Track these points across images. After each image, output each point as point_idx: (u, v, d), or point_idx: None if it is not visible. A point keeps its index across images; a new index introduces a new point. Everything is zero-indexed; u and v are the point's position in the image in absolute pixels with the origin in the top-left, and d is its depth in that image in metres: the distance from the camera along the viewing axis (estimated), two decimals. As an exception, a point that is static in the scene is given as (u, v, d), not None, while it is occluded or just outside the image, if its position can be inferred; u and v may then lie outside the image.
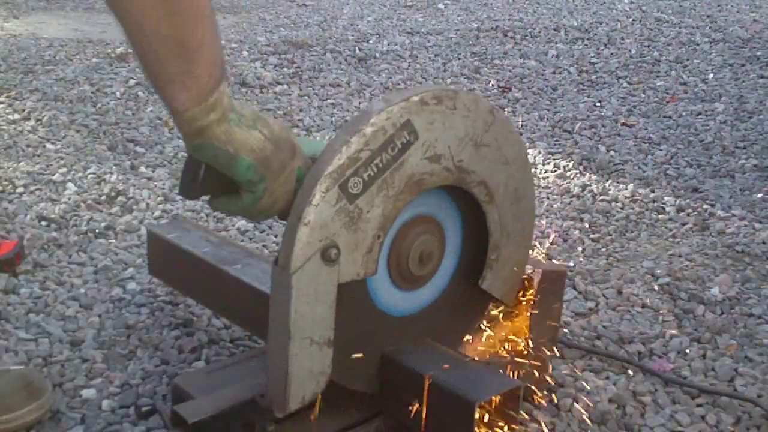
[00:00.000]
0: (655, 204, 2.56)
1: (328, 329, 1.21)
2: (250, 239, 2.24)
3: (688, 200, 2.59)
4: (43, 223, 2.26)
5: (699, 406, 1.60)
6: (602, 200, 2.58)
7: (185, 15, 1.06)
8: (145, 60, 1.10)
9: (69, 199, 2.41)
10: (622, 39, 4.63)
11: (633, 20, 5.09)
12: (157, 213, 2.35)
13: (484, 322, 1.50)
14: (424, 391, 1.27)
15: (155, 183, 2.57)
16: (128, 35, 1.08)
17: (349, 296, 1.24)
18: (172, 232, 1.81)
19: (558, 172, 2.81)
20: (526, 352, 1.50)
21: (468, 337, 1.47)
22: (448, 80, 3.86)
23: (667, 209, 2.53)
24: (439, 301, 1.41)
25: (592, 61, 4.23)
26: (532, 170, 1.46)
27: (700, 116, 3.41)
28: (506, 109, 3.50)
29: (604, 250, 2.26)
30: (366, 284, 1.29)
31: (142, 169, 2.67)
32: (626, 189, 2.66)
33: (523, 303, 1.50)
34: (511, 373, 1.45)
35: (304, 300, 1.17)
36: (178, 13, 1.05)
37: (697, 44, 4.53)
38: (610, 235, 2.36)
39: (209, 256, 1.68)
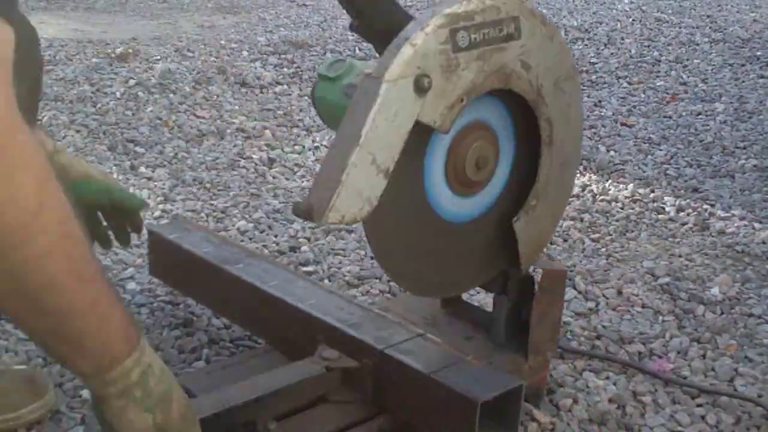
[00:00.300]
0: (655, 204, 2.56)
1: (391, 159, 1.21)
2: (250, 239, 2.24)
3: (688, 200, 2.59)
4: (43, 223, 2.25)
5: (699, 406, 1.60)
6: (602, 200, 2.58)
7: (59, 313, 0.95)
8: (35, 340, 1.05)
9: (69, 199, 2.41)
10: (622, 39, 4.63)
11: (633, 20, 5.09)
12: (157, 213, 2.36)
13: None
14: (427, 390, 1.27)
15: (155, 183, 2.57)
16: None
17: (407, 177, 1.28)
18: (173, 233, 1.81)
19: (558, 172, 2.81)
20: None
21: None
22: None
23: (667, 209, 2.53)
24: (481, 220, 1.44)
25: (592, 61, 4.23)
26: (579, 154, 1.52)
27: (700, 116, 3.41)
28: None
29: (604, 250, 2.26)
30: (422, 170, 1.33)
31: (142, 169, 2.67)
32: (626, 189, 2.66)
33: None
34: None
35: (384, 114, 1.18)
36: (51, 313, 0.94)
37: (697, 44, 4.53)
38: (610, 235, 2.36)
39: (210, 256, 1.68)
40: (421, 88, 1.21)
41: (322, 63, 1.33)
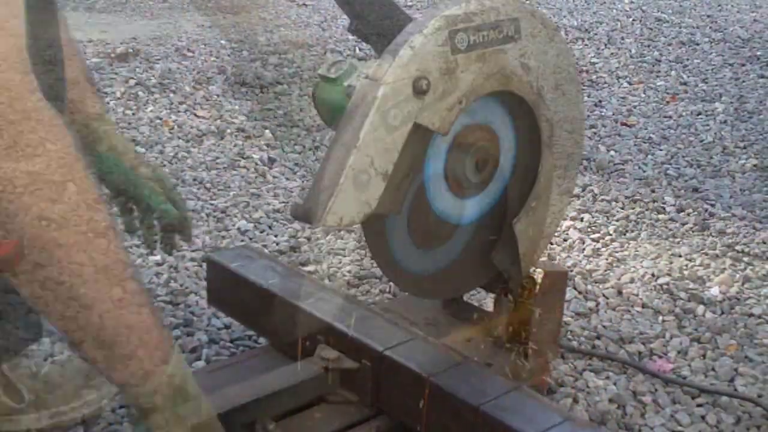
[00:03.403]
0: (655, 204, 2.56)
1: (389, 163, 1.21)
2: (251, 239, 2.24)
3: (688, 200, 2.58)
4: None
5: (699, 406, 1.60)
6: (602, 200, 2.58)
7: (115, 347, 1.01)
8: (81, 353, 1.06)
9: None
10: (622, 39, 4.63)
11: (633, 20, 5.09)
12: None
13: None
14: (480, 424, 1.23)
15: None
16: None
17: (407, 180, 1.27)
18: (235, 261, 1.68)
19: (558, 172, 2.81)
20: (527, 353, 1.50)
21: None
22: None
23: (667, 209, 2.53)
24: (476, 226, 1.44)
25: (592, 61, 4.23)
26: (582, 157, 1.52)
27: (700, 116, 3.41)
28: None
29: (604, 250, 2.26)
30: (423, 172, 1.32)
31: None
32: (626, 189, 2.66)
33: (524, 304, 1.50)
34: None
35: (382, 117, 1.18)
36: (106, 346, 1.01)
37: (697, 44, 4.53)
38: (610, 235, 2.36)
39: (277, 289, 1.56)
40: (419, 90, 1.21)
41: (323, 63, 1.32)
